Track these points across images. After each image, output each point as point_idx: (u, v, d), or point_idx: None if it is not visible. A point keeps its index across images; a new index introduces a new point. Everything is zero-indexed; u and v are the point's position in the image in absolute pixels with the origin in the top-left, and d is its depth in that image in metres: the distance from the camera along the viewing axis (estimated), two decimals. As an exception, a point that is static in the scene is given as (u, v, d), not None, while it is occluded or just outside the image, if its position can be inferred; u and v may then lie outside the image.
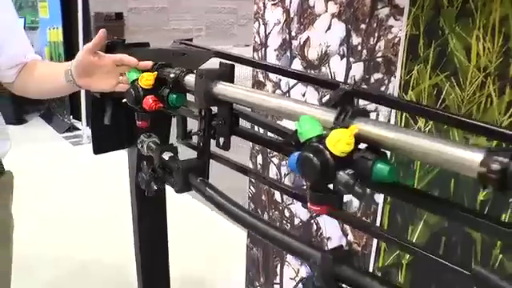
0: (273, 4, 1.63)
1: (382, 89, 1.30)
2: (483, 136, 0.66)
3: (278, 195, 1.82)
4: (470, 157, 0.45)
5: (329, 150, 0.53)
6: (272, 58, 1.68)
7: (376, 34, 1.28)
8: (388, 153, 0.58)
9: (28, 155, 4.09)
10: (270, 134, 0.90)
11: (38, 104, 5.34)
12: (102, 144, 1.25)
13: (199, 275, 2.45)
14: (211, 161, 0.95)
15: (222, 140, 0.88)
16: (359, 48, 1.34)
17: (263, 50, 1.72)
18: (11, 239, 1.27)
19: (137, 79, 0.95)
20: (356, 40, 1.34)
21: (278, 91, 1.70)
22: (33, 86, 1.20)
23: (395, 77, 1.25)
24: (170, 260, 1.48)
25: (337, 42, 1.41)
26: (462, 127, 0.58)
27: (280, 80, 1.66)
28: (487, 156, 0.44)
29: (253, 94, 0.72)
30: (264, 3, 1.67)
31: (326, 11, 1.42)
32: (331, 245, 1.60)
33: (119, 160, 1.59)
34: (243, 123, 0.92)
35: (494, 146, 0.84)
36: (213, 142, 0.91)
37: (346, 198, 1.58)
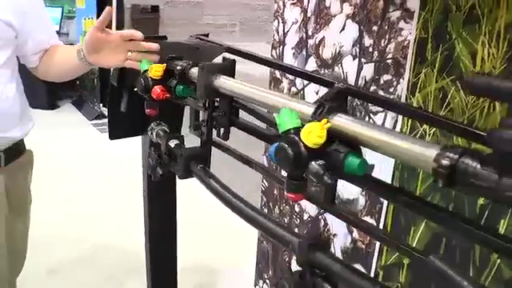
0: (292, 3, 1.67)
1: (391, 90, 1.32)
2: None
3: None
4: (425, 153, 0.49)
5: (303, 142, 0.57)
6: (289, 56, 1.72)
7: (387, 36, 1.30)
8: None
9: (57, 139, 4.26)
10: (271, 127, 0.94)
11: (71, 91, 5.52)
12: (117, 130, 1.31)
13: (210, 264, 2.52)
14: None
15: (222, 130, 0.92)
16: (370, 49, 1.36)
17: (281, 47, 1.76)
18: (29, 212, 1.37)
19: (147, 70, 1.00)
20: (368, 41, 1.37)
21: (293, 88, 1.73)
22: (53, 69, 1.29)
23: (403, 79, 1.27)
24: (181, 248, 1.54)
25: (350, 42, 1.43)
26: (441, 127, 0.61)
27: (295, 78, 1.70)
28: (440, 153, 0.47)
29: (247, 87, 0.77)
30: (284, 2, 1.71)
31: (341, 12, 1.45)
32: (337, 241, 1.63)
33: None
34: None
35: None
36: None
37: (353, 196, 1.60)
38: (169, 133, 1.10)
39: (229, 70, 0.87)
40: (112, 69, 1.22)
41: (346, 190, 1.54)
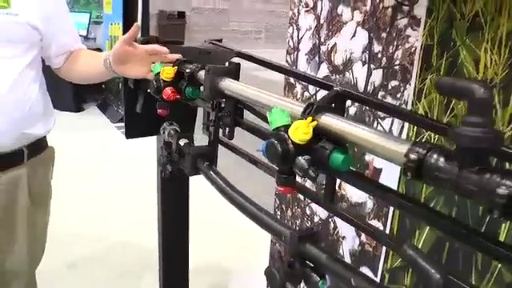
0: (306, 10, 1.71)
1: (398, 96, 1.35)
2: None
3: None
4: (397, 149, 0.52)
5: (291, 139, 0.61)
6: (303, 62, 1.76)
7: (395, 43, 1.34)
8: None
9: (81, 140, 4.40)
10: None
11: (96, 94, 5.68)
12: (133, 130, 1.38)
13: (222, 265, 2.57)
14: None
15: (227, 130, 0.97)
16: (379, 55, 1.40)
17: (295, 53, 1.80)
18: (49, 206, 1.45)
19: (159, 72, 1.06)
20: (377, 48, 1.40)
21: (306, 93, 1.77)
22: (76, 71, 1.37)
23: (410, 84, 1.30)
24: (194, 248, 1.60)
25: (360, 48, 1.47)
26: (422, 126, 0.65)
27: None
28: (410, 148, 0.51)
29: (248, 89, 0.82)
30: (298, 9, 1.75)
31: (352, 19, 1.49)
32: (346, 244, 1.66)
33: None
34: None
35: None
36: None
37: (361, 200, 1.64)
38: (180, 132, 1.15)
39: (233, 72, 0.92)
40: None
41: (355, 194, 1.58)
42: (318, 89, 1.71)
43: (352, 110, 1.52)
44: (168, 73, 1.04)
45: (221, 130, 1.04)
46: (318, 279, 0.68)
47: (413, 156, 0.50)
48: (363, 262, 1.58)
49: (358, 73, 1.49)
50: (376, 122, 1.44)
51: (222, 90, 0.91)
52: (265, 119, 0.98)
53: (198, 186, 1.43)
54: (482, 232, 0.61)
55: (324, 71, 1.64)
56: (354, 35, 1.49)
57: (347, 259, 1.65)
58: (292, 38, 1.81)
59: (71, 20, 1.44)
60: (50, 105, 1.41)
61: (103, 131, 4.96)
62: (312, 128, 0.61)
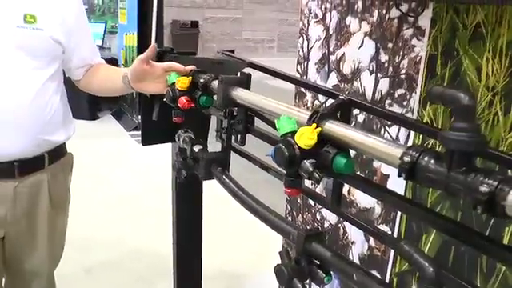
0: (315, 21, 1.77)
1: (404, 103, 1.39)
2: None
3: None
4: (393, 152, 0.57)
5: (297, 144, 0.67)
6: (313, 71, 1.82)
7: (401, 53, 1.38)
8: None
9: (96, 148, 4.49)
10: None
11: (111, 103, 5.79)
12: (149, 137, 1.44)
13: (235, 270, 2.62)
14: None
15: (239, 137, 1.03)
16: (386, 65, 1.44)
17: (305, 63, 1.85)
18: (67, 210, 1.52)
19: (175, 82, 1.12)
20: (384, 57, 1.45)
21: (316, 102, 1.83)
22: (95, 84, 1.44)
23: (416, 93, 1.35)
24: (207, 253, 1.65)
25: (367, 58, 1.52)
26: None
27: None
28: (405, 151, 0.56)
29: (258, 98, 0.87)
30: (308, 20, 1.81)
31: (360, 30, 1.54)
32: (355, 248, 1.70)
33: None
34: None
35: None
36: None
37: (369, 205, 1.68)
38: (194, 139, 1.21)
39: (245, 82, 0.98)
40: None
41: (364, 199, 1.62)
42: (326, 97, 1.76)
43: (360, 118, 1.57)
44: (183, 83, 1.10)
45: (233, 137, 1.09)
46: (324, 275, 0.72)
47: (406, 158, 0.54)
48: (372, 265, 1.61)
49: (366, 81, 1.54)
50: (383, 130, 1.48)
51: (234, 99, 0.96)
52: (274, 126, 1.03)
53: (208, 192, 1.49)
54: (487, 235, 0.65)
55: (333, 80, 1.69)
56: (361, 45, 1.54)
57: (357, 263, 1.69)
58: (302, 48, 1.87)
59: (90, 33, 1.51)
60: (70, 113, 1.48)
61: (118, 139, 5.06)
62: (316, 134, 0.66)
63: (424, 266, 0.55)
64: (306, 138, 0.65)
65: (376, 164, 1.53)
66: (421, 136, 1.35)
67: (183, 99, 1.09)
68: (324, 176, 0.67)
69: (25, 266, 1.44)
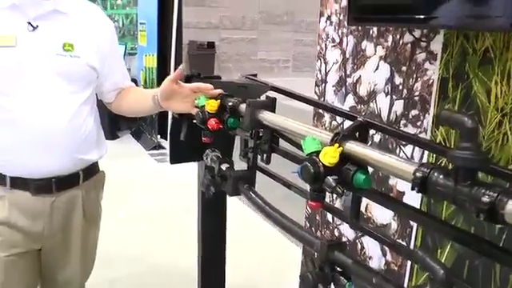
0: (333, 46, 1.86)
1: (418, 124, 1.47)
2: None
3: (329, 216, 2.01)
4: (407, 169, 0.65)
5: (321, 162, 0.75)
6: (330, 93, 1.90)
7: (414, 76, 1.46)
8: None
9: (116, 166, 4.58)
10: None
11: (130, 122, 5.93)
12: (177, 156, 1.54)
13: (255, 285, 2.68)
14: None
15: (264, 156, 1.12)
16: (400, 87, 1.52)
17: (323, 85, 1.94)
18: (99, 225, 1.61)
19: (204, 105, 1.22)
20: (398, 80, 1.53)
21: (333, 122, 1.91)
22: (126, 106, 1.55)
23: (429, 114, 1.42)
24: (229, 268, 1.72)
25: (383, 81, 1.60)
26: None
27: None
28: (417, 168, 0.64)
29: (283, 120, 0.96)
30: (326, 44, 1.91)
31: (375, 54, 1.62)
32: (372, 263, 1.76)
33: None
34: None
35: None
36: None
37: (386, 221, 1.74)
38: (221, 158, 1.30)
39: (271, 105, 1.07)
40: None
41: (381, 216, 1.68)
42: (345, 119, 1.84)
43: (377, 138, 1.65)
44: (212, 106, 1.19)
45: (258, 156, 1.18)
46: (346, 281, 0.80)
47: (419, 174, 0.62)
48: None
49: (382, 103, 1.62)
50: (399, 149, 1.56)
51: (260, 121, 1.05)
52: (297, 146, 1.12)
53: (231, 209, 1.56)
54: (501, 246, 0.72)
55: (350, 102, 1.78)
56: (377, 68, 1.63)
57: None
58: (320, 71, 1.96)
59: (122, 58, 1.62)
60: (103, 134, 1.59)
61: (137, 158, 5.18)
62: (339, 153, 0.74)
63: (435, 269, 0.63)
64: (330, 156, 0.73)
65: (392, 181, 1.60)
66: (434, 154, 1.42)
67: (213, 121, 1.18)
68: (345, 190, 0.75)
69: (58, 277, 1.53)
